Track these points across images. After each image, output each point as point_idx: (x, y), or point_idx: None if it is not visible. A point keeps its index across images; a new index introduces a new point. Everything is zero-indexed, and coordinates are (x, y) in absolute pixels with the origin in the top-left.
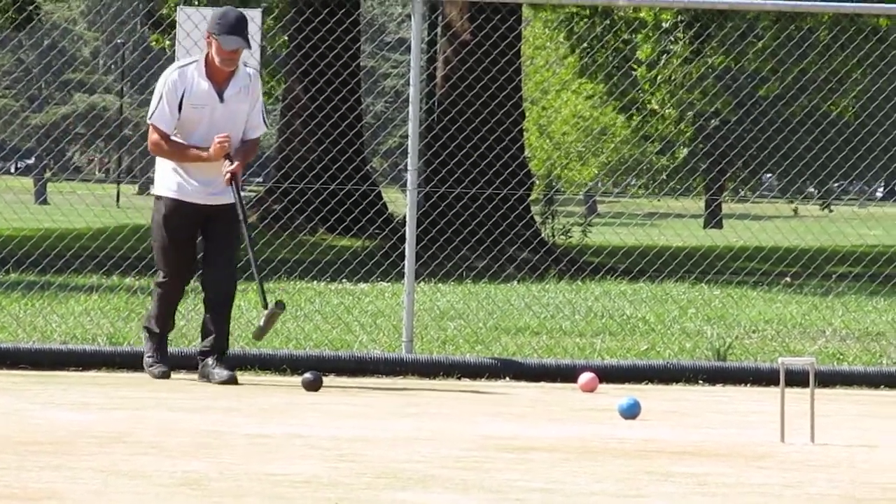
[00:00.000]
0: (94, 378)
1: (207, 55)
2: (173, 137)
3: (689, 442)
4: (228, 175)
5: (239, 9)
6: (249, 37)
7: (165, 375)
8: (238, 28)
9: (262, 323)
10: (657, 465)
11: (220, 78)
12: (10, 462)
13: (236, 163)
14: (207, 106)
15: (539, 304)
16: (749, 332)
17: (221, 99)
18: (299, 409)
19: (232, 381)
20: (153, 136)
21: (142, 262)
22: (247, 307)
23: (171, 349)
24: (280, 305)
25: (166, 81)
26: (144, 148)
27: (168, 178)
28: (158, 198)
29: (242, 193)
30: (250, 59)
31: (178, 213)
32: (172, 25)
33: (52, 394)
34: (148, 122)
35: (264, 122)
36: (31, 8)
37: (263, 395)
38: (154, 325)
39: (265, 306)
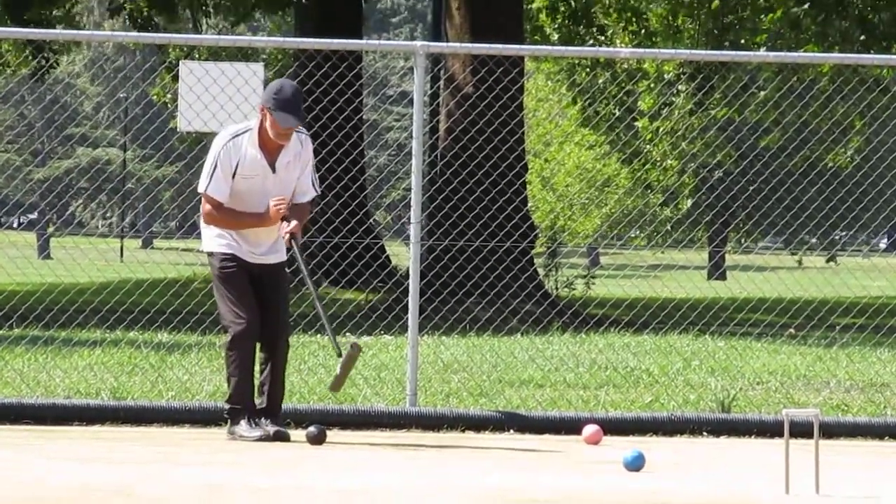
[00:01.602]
0: (97, 433)
1: (261, 125)
2: (226, 206)
3: (693, 494)
4: (288, 235)
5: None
6: (303, 112)
7: (267, 438)
8: (294, 105)
9: (338, 371)
10: None
11: (272, 147)
12: None
13: (294, 222)
14: (259, 176)
15: (543, 357)
16: (753, 383)
17: (273, 169)
18: (303, 462)
19: (284, 437)
20: (207, 207)
21: (145, 315)
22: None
23: (174, 403)
24: (355, 347)
25: (219, 151)
26: (147, 202)
27: (218, 235)
28: (211, 254)
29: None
30: (253, 114)
31: (234, 262)
32: (175, 78)
33: (55, 449)
34: (203, 192)
35: (314, 186)
36: (50, 60)
37: (267, 449)
38: (236, 401)
39: (339, 354)
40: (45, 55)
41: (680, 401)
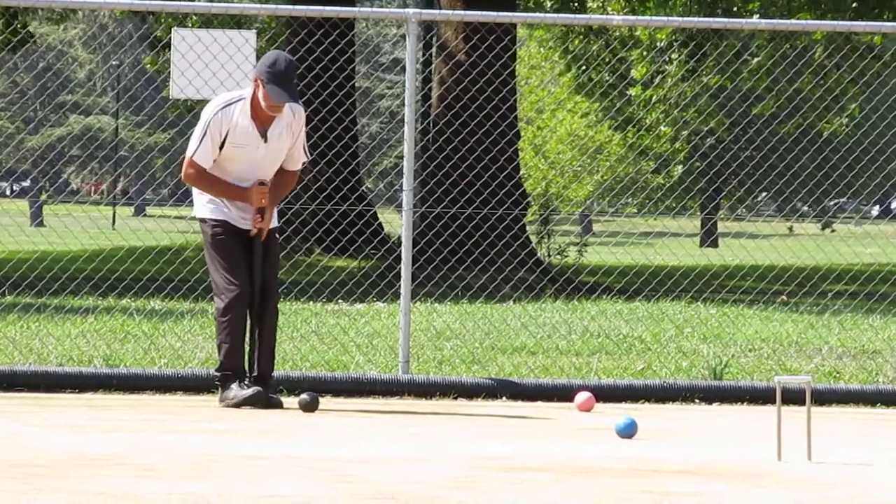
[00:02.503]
0: (90, 400)
1: (253, 95)
2: (209, 172)
3: (686, 461)
4: (256, 229)
5: (283, 55)
6: (296, 87)
7: (260, 397)
8: (287, 80)
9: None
10: (654, 484)
11: (264, 117)
12: (6, 485)
13: (266, 219)
14: (250, 146)
15: (535, 324)
16: (745, 350)
17: (265, 139)
18: (296, 430)
19: (276, 404)
20: (189, 170)
21: (137, 283)
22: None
23: (167, 371)
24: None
25: (210, 120)
26: (140, 170)
27: (209, 201)
28: (203, 220)
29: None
30: (245, 81)
31: (225, 229)
32: (167, 46)
33: (48, 416)
34: (189, 157)
35: (305, 153)
36: (23, 32)
37: (260, 417)
38: (227, 367)
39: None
40: (19, 24)
41: (672, 368)
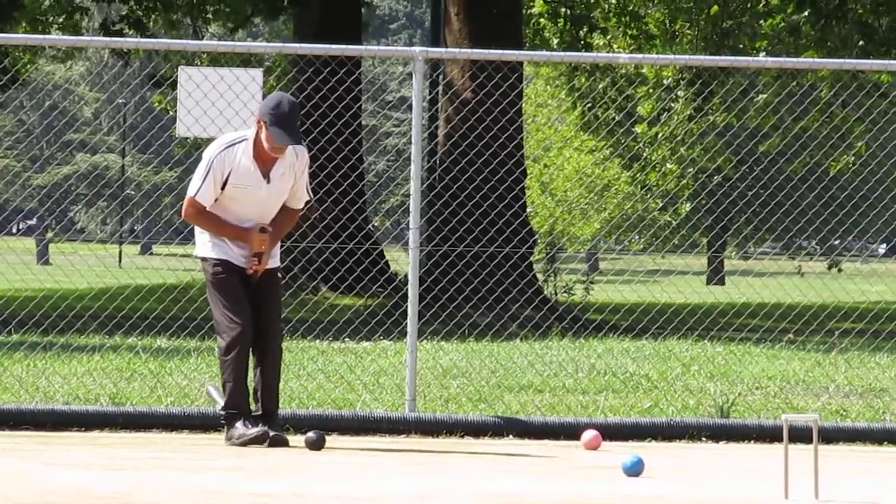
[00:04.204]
0: (96, 438)
1: (256, 136)
2: (209, 209)
3: (692, 499)
4: (252, 271)
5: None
6: (299, 129)
7: (265, 437)
8: (290, 123)
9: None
10: None
11: (266, 158)
12: None
13: (262, 263)
14: (252, 186)
15: (542, 362)
16: (752, 388)
17: (268, 179)
18: (302, 467)
19: (282, 442)
20: (190, 209)
21: (144, 321)
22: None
23: (173, 409)
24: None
25: (213, 159)
26: (146, 208)
27: (210, 240)
28: (204, 259)
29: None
30: (252, 119)
31: (226, 268)
32: (174, 85)
33: (54, 454)
34: (190, 195)
35: (308, 193)
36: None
37: (266, 455)
38: (232, 405)
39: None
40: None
41: (679, 406)
